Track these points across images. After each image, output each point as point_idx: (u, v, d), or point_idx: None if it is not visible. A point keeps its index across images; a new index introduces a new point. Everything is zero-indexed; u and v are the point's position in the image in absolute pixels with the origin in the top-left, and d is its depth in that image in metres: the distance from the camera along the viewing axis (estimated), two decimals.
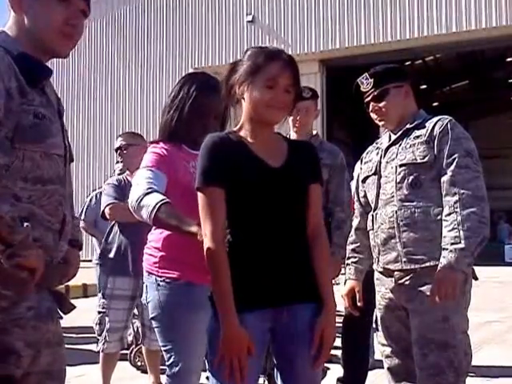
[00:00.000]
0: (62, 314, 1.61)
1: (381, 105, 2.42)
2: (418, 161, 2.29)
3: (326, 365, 3.24)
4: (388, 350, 2.44)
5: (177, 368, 2.28)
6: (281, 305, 1.77)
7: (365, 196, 2.54)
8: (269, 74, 1.76)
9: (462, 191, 2.17)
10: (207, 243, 1.74)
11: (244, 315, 1.72)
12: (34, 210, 1.44)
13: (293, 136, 3.33)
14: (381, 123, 2.49)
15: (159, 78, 15.80)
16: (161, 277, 2.26)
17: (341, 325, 3.56)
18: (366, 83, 2.45)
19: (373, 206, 2.45)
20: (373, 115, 2.48)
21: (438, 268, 2.16)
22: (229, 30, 14.85)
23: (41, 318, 1.48)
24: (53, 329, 1.54)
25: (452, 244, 2.13)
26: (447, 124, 2.29)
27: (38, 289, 1.46)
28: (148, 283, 2.31)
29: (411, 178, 2.30)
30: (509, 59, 18.72)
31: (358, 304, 2.56)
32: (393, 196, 2.33)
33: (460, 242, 2.12)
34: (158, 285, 2.26)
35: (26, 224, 1.36)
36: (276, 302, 1.76)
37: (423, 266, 2.25)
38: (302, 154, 1.89)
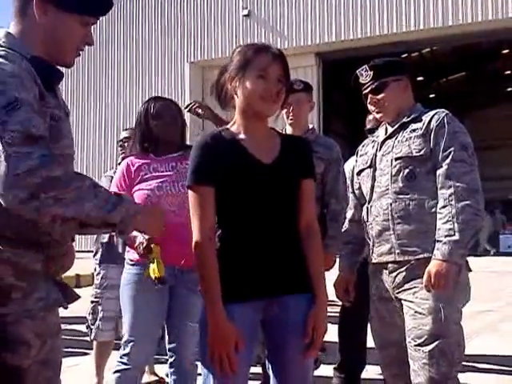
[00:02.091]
0: (65, 305, 1.63)
1: (379, 97, 2.41)
2: (414, 154, 2.29)
3: (319, 353, 3.25)
4: (381, 341, 2.46)
5: (127, 344, 2.54)
6: (271, 296, 1.79)
7: (359, 188, 2.56)
8: (259, 65, 1.78)
9: (457, 184, 2.18)
10: (195, 240, 1.77)
11: (235, 306, 1.75)
12: None
13: (288, 130, 3.33)
14: (378, 115, 2.49)
15: (155, 72, 15.72)
16: (127, 259, 2.64)
17: (334, 314, 3.58)
18: (365, 75, 2.44)
19: (367, 198, 2.46)
20: (371, 107, 2.48)
21: (432, 260, 2.17)
22: (225, 24, 14.78)
23: (49, 308, 1.52)
24: (54, 319, 1.58)
25: (446, 236, 2.15)
26: (444, 117, 2.29)
27: (46, 279, 1.50)
28: None
29: (406, 170, 2.30)
30: (504, 51, 18.70)
31: (351, 295, 2.58)
32: (388, 189, 2.34)
33: (454, 235, 2.13)
34: (124, 266, 2.65)
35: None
36: (266, 293, 1.79)
37: (417, 257, 2.26)
38: (294, 149, 1.90)
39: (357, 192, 2.59)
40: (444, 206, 2.19)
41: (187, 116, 2.97)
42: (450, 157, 2.22)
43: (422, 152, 2.28)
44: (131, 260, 2.61)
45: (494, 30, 12.72)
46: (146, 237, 2.39)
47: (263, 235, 1.79)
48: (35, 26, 1.54)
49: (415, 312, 2.25)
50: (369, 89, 2.43)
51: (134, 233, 2.44)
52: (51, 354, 1.55)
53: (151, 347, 2.59)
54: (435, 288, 2.14)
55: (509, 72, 20.96)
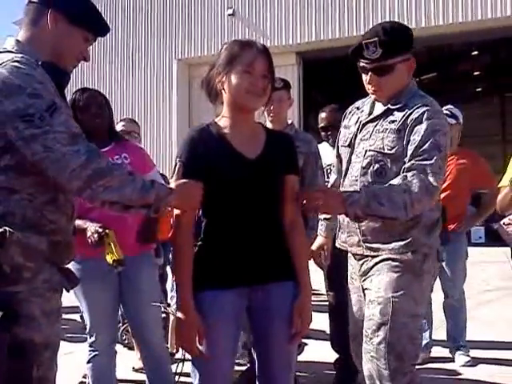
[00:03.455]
0: (68, 287, 1.68)
1: (382, 79, 2.11)
2: (385, 151, 2.08)
3: (303, 340, 3.25)
4: (351, 330, 2.37)
5: (92, 333, 2.58)
6: (256, 283, 1.79)
7: (341, 159, 2.37)
8: (245, 60, 1.76)
9: (415, 180, 1.93)
10: (175, 233, 1.78)
11: (220, 293, 1.75)
12: (58, 196, 1.57)
13: (269, 126, 3.31)
14: (374, 95, 2.21)
15: (144, 70, 15.61)
16: None
17: (318, 303, 3.59)
18: (371, 51, 2.08)
19: (341, 180, 2.32)
20: (368, 85, 2.18)
21: (340, 192, 2.01)
22: (210, 23, 14.73)
23: (53, 290, 1.58)
24: (57, 303, 1.63)
25: (373, 196, 1.90)
26: (423, 113, 2.03)
27: (51, 264, 1.56)
28: None
29: (377, 165, 2.11)
30: (474, 53, 18.86)
31: (327, 260, 2.51)
32: (357, 180, 2.17)
33: (383, 205, 1.89)
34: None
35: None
36: (251, 281, 1.79)
37: (380, 255, 2.14)
38: (279, 145, 1.89)
39: (340, 158, 2.41)
40: (397, 182, 1.96)
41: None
42: (420, 156, 1.98)
43: (393, 151, 2.07)
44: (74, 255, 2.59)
45: (465, 31, 12.84)
46: (97, 225, 2.42)
47: (247, 227, 1.79)
48: (44, 35, 1.62)
49: (369, 301, 2.12)
50: (372, 66, 2.10)
51: (80, 224, 2.44)
52: (53, 336, 1.58)
53: (113, 330, 2.71)
54: (306, 203, 1.88)
55: (478, 73, 21.16)
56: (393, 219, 1.97)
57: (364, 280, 2.21)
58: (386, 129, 2.11)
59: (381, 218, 1.95)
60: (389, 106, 2.14)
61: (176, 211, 1.78)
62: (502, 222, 2.71)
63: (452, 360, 3.94)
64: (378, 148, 2.11)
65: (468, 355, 3.88)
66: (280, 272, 1.83)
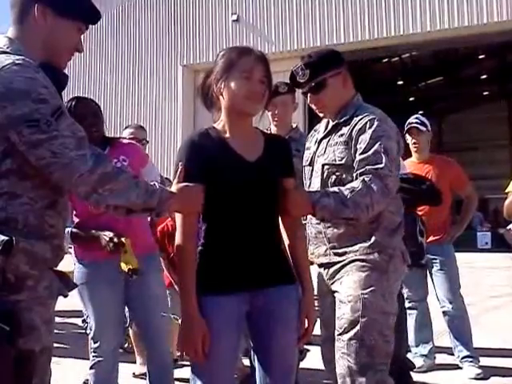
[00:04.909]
0: (67, 294, 1.64)
1: (318, 96, 2.29)
2: (337, 162, 2.20)
3: (305, 346, 3.23)
4: (322, 336, 2.37)
5: (96, 339, 2.56)
6: (256, 288, 1.79)
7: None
8: (244, 66, 1.78)
9: (374, 183, 2.02)
10: (178, 237, 1.77)
11: (220, 298, 1.74)
12: (58, 200, 1.56)
13: (273, 130, 3.31)
14: (321, 114, 2.37)
15: (150, 75, 15.72)
16: (76, 257, 2.63)
17: (318, 308, 3.55)
18: (301, 74, 2.27)
19: None
20: (311, 106, 2.35)
21: (309, 192, 2.06)
22: (215, 29, 14.82)
23: (53, 297, 1.55)
24: (54, 308, 1.60)
25: (338, 200, 1.96)
26: (366, 123, 2.14)
27: (51, 269, 1.54)
28: None
29: (334, 177, 2.22)
30: (481, 56, 18.85)
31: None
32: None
33: (346, 205, 1.96)
34: (74, 264, 2.63)
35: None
36: (251, 286, 1.78)
37: (347, 258, 2.19)
38: (276, 148, 1.90)
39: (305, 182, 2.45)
40: (355, 185, 2.02)
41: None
42: (370, 162, 2.07)
43: (343, 161, 2.18)
44: (82, 259, 2.63)
45: (470, 35, 12.80)
46: (111, 234, 2.44)
47: (247, 230, 1.78)
48: (34, 31, 1.56)
49: (340, 302, 2.17)
50: (307, 88, 2.29)
51: (90, 232, 2.50)
52: (49, 342, 1.56)
53: (118, 336, 2.69)
54: (288, 207, 1.87)
55: (485, 76, 21.12)
56: (353, 220, 2.06)
57: (333, 283, 2.24)
58: (336, 142, 2.23)
59: (344, 219, 2.05)
60: (336, 120, 2.27)
61: (178, 215, 1.77)
62: (508, 227, 2.70)
63: (458, 367, 3.89)
64: (331, 160, 2.23)
65: (479, 366, 3.73)
66: (281, 276, 1.83)
